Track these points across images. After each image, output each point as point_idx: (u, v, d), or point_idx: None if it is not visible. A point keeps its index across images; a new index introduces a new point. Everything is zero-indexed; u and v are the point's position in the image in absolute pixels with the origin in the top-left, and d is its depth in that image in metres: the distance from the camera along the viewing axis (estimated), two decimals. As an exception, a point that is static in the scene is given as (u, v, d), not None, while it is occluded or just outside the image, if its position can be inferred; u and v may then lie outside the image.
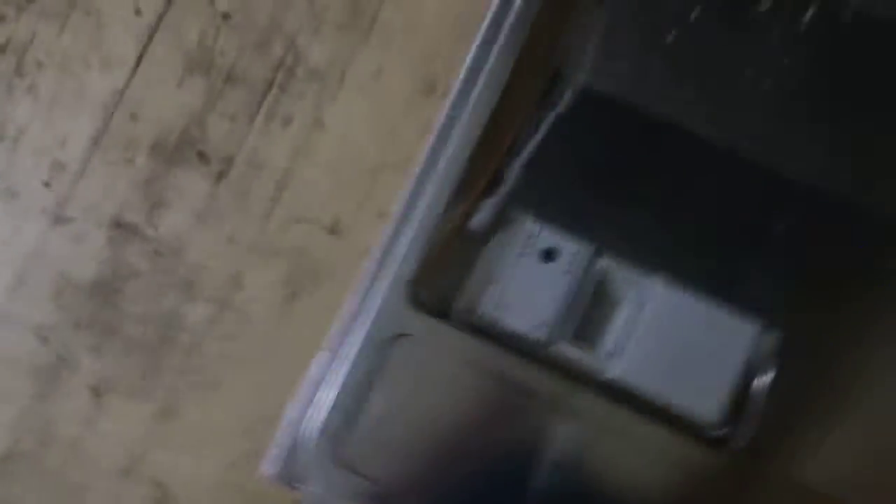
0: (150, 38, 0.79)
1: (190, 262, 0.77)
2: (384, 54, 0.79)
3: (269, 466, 0.65)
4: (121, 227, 0.77)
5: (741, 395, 0.63)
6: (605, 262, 0.64)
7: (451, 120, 0.65)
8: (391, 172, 0.77)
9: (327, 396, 0.63)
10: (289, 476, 0.64)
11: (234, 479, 0.76)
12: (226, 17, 0.80)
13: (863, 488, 0.64)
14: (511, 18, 0.67)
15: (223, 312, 0.77)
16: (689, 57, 0.67)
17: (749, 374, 0.63)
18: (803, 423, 0.65)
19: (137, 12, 0.79)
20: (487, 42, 0.67)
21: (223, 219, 0.78)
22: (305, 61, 0.80)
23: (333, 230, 0.78)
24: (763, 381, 0.64)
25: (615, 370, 0.63)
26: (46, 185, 0.77)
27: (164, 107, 0.78)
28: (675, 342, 0.63)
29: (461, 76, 0.67)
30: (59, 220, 0.78)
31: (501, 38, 0.66)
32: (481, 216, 0.65)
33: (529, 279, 0.63)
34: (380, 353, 0.63)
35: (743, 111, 0.68)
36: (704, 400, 0.62)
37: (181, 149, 0.78)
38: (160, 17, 0.79)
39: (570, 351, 0.63)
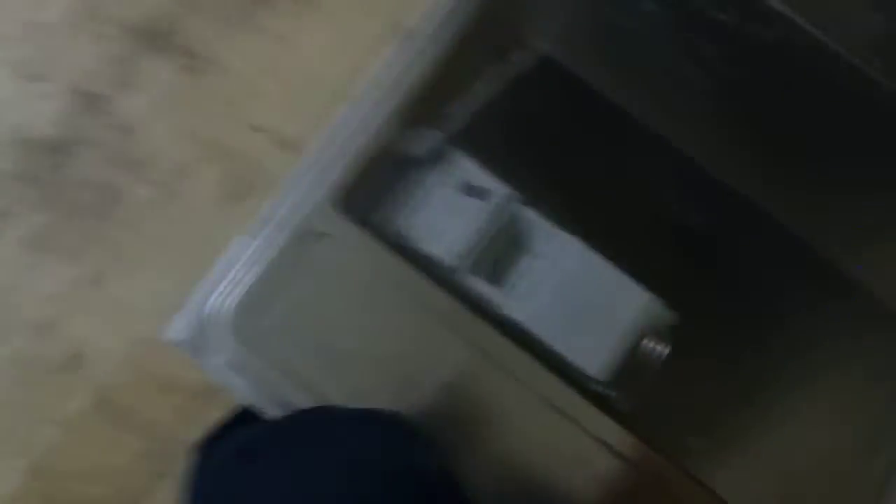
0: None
1: (144, 143, 0.83)
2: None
3: (173, 333, 0.70)
4: (86, 96, 0.82)
5: (630, 363, 0.69)
6: (528, 213, 0.69)
7: (408, 52, 0.71)
8: (343, 102, 0.82)
9: (242, 277, 0.68)
10: (191, 345, 0.69)
11: (140, 354, 0.81)
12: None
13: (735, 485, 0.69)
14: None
15: (165, 196, 0.82)
16: (644, 46, 0.74)
17: (642, 345, 0.69)
18: (687, 408, 0.71)
19: None
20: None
21: (184, 110, 0.83)
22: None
23: (283, 143, 0.83)
24: (654, 354, 0.69)
25: (518, 312, 0.68)
26: (20, 39, 0.82)
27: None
28: (578, 298, 0.69)
29: (426, 16, 0.72)
30: (26, 75, 0.82)
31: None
32: (418, 142, 0.70)
33: (455, 210, 0.69)
34: (298, 246, 0.68)
35: (681, 105, 0.74)
36: (595, 356, 0.68)
37: (158, 36, 0.83)
38: None
39: (478, 284, 0.68)
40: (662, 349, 0.69)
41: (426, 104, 0.70)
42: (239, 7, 0.84)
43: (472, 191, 0.69)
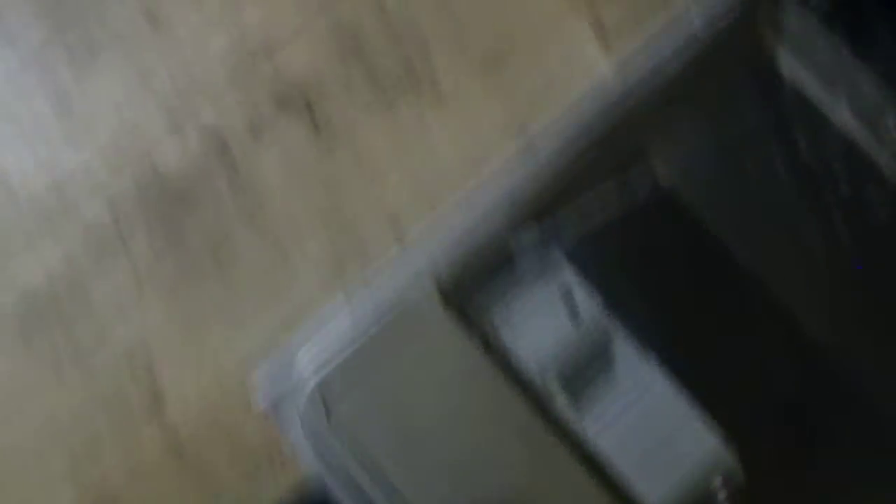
0: (319, 11, 0.91)
1: (265, 200, 0.87)
2: (498, 97, 0.90)
3: (259, 393, 0.73)
4: (220, 146, 0.88)
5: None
6: (620, 336, 0.72)
7: (528, 156, 0.75)
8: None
9: (336, 349, 0.71)
10: (275, 408, 0.72)
11: (222, 406, 0.84)
12: (383, 11, 0.91)
13: None
14: (615, 98, 0.77)
15: (275, 255, 0.86)
16: (765, 199, 0.76)
17: (707, 490, 0.70)
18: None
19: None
20: (588, 108, 0.76)
21: (309, 176, 0.88)
22: (432, 78, 0.90)
23: (394, 221, 0.87)
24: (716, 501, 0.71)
25: (592, 430, 0.70)
26: (169, 86, 0.88)
27: (299, 64, 0.89)
28: (654, 430, 0.71)
29: (551, 124, 0.76)
30: (173, 117, 0.88)
31: (600, 110, 0.76)
32: (529, 245, 0.73)
33: (550, 319, 0.72)
34: (394, 327, 0.71)
35: (794, 265, 0.76)
36: (658, 489, 0.70)
37: (300, 103, 0.89)
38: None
39: (559, 396, 0.71)
40: (724, 500, 0.70)
41: (540, 208, 0.74)
42: (380, 88, 0.89)
43: (571, 303, 0.71)
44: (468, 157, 0.88)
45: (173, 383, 0.82)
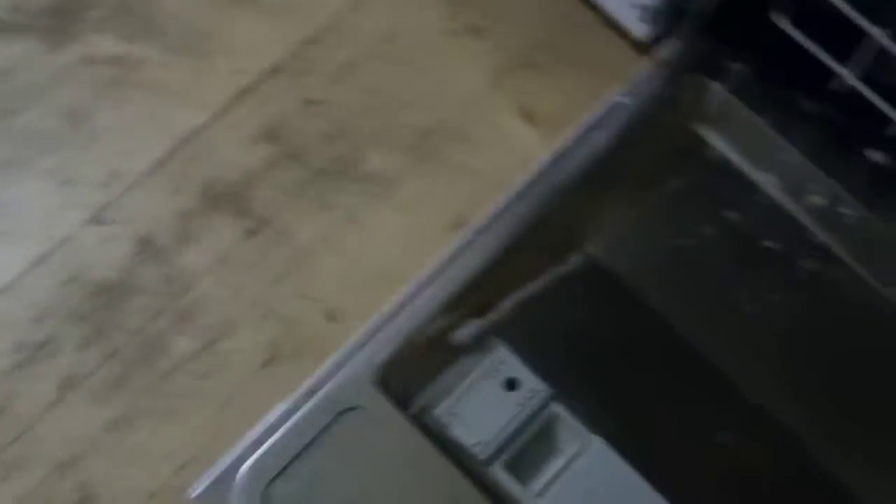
0: (241, 96, 0.92)
1: (197, 298, 0.87)
2: (431, 185, 0.91)
3: (198, 491, 0.72)
4: (150, 246, 0.87)
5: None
6: (565, 414, 0.72)
7: (463, 245, 0.76)
8: (397, 286, 0.87)
9: (274, 444, 0.71)
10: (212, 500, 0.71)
11: (156, 505, 0.82)
12: (307, 104, 0.93)
13: None
14: (548, 182, 0.79)
15: (208, 353, 0.86)
16: (694, 266, 0.79)
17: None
18: None
19: (239, 72, 0.92)
20: (521, 194, 0.78)
21: (242, 272, 0.88)
22: (362, 165, 0.92)
23: (331, 316, 0.87)
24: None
25: (536, 506, 0.70)
26: (103, 185, 0.89)
27: (226, 160, 0.90)
28: (596, 501, 0.71)
29: (483, 216, 0.78)
30: (97, 221, 0.88)
31: (533, 195, 0.78)
32: (464, 331, 0.74)
33: (487, 400, 0.72)
34: (335, 419, 0.71)
35: (727, 328, 0.78)
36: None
37: (225, 198, 0.89)
38: (257, 83, 0.93)
39: (501, 475, 0.71)
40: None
41: (477, 295, 0.75)
42: (312, 181, 0.90)
43: (512, 385, 0.72)
44: (404, 247, 0.89)
45: (105, 485, 0.80)
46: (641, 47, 0.88)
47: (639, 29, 0.85)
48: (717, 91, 0.80)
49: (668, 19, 0.81)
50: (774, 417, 0.74)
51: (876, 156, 0.79)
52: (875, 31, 0.72)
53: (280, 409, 0.72)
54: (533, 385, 0.72)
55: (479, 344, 0.73)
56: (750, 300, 0.77)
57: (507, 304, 0.75)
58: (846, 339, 0.78)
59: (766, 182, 0.80)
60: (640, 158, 0.79)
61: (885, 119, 0.76)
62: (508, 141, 0.93)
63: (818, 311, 0.77)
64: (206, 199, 0.89)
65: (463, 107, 0.94)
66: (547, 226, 0.76)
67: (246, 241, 0.88)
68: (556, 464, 0.71)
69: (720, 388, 0.74)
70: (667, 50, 0.81)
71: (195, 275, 0.87)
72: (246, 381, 0.84)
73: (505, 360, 0.72)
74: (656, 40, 0.83)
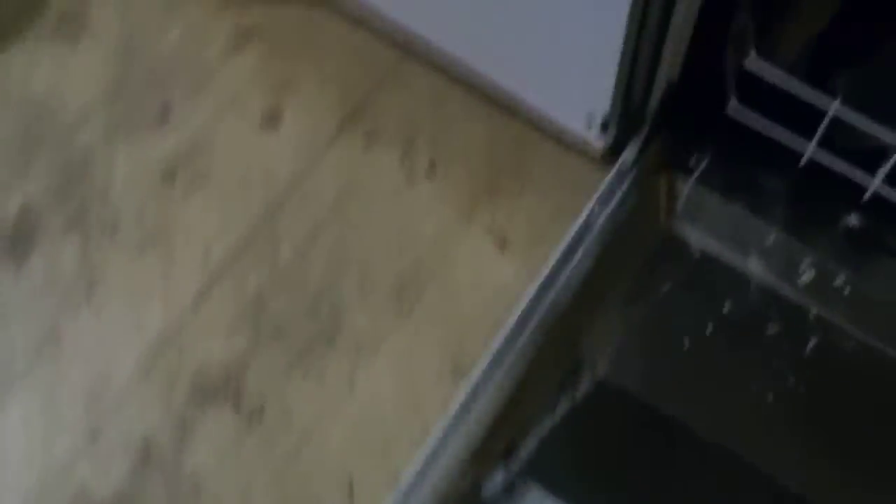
0: (212, 283, 0.92)
1: (205, 494, 0.86)
2: (420, 333, 0.91)
3: None
4: (147, 455, 0.86)
5: None
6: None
7: (470, 396, 0.76)
8: (408, 444, 0.86)
9: None
10: None
11: None
12: (283, 275, 0.93)
13: None
14: (540, 312, 0.79)
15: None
16: (700, 365, 0.79)
17: None
18: None
19: (206, 257, 0.92)
20: (516, 330, 0.79)
21: (245, 465, 0.87)
22: (346, 328, 0.92)
23: (349, 491, 0.86)
24: None
25: None
26: (87, 404, 0.88)
27: (211, 349, 0.90)
28: None
29: (485, 360, 0.78)
30: (92, 437, 0.87)
31: (528, 329, 0.78)
32: (495, 482, 0.74)
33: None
34: None
35: (743, 421, 0.79)
36: None
37: (218, 390, 0.89)
38: (227, 266, 0.93)
39: None
40: None
41: (496, 441, 0.74)
42: (301, 356, 0.90)
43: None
44: (406, 404, 0.88)
45: None
46: (601, 157, 0.90)
47: (596, 139, 0.87)
48: (685, 185, 0.82)
49: (622, 125, 0.83)
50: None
51: (853, 221, 0.81)
52: (833, 105, 0.74)
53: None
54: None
55: (510, 491, 0.73)
56: (761, 388, 0.78)
57: (529, 443, 0.74)
58: (860, 405, 0.78)
59: (754, 267, 0.81)
60: (624, 269, 0.81)
61: (856, 186, 0.78)
62: (487, 273, 0.93)
63: (829, 382, 0.78)
64: (198, 394, 0.88)
65: (435, 248, 0.94)
66: (548, 356, 0.76)
67: (248, 431, 0.87)
68: None
69: (750, 479, 0.75)
70: (627, 155, 0.83)
71: (202, 475, 0.86)
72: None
73: (541, 501, 0.72)
74: (615, 148, 0.85)
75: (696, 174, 0.82)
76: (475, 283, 0.93)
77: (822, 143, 0.78)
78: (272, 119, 1.00)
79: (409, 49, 1.00)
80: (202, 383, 0.89)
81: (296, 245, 0.95)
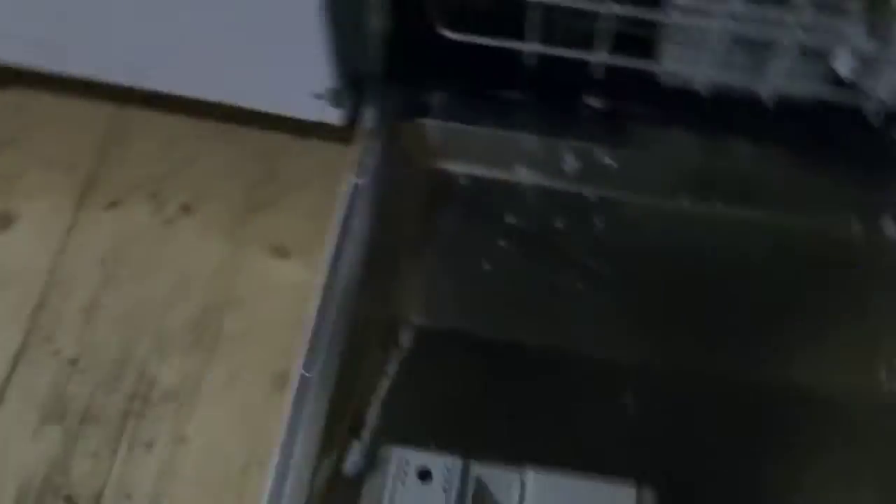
0: (2, 396, 0.88)
1: None
2: (233, 362, 0.90)
3: None
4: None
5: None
6: (477, 470, 0.72)
7: (300, 392, 0.75)
8: (260, 468, 0.84)
9: None
10: None
11: None
12: (73, 362, 0.89)
13: None
14: (338, 290, 0.79)
15: None
16: (505, 280, 0.81)
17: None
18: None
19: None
20: (321, 315, 0.78)
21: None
22: (158, 386, 0.89)
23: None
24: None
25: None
26: None
27: (23, 458, 0.85)
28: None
29: (301, 354, 0.77)
30: None
31: (333, 309, 0.78)
32: (353, 458, 0.73)
33: (414, 502, 0.71)
34: None
35: (564, 318, 0.81)
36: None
37: (45, 497, 0.84)
38: (8, 376, 0.89)
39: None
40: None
41: (336, 423, 0.73)
42: (122, 429, 0.86)
43: (425, 475, 0.71)
44: (242, 430, 0.87)
45: None
46: (346, 132, 0.91)
47: (333, 117, 0.88)
48: (432, 125, 0.84)
49: (352, 92, 0.84)
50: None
51: (593, 101, 0.85)
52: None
53: None
54: (443, 463, 0.71)
55: (371, 459, 0.72)
56: (569, 281, 0.80)
57: (373, 411, 0.74)
58: (661, 266, 0.82)
59: (522, 175, 0.84)
60: (403, 221, 0.82)
61: (586, 67, 0.82)
62: (276, 284, 0.93)
63: (626, 253, 0.82)
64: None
65: (218, 281, 0.93)
66: (362, 325, 0.76)
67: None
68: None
69: (592, 371, 0.77)
70: (367, 118, 0.85)
71: None
72: None
73: (405, 457, 0.71)
74: (354, 117, 0.86)
75: (437, 110, 0.84)
76: (268, 297, 0.92)
77: (543, 40, 0.81)
78: (4, 220, 0.96)
79: (121, 99, 0.98)
80: (25, 496, 0.84)
81: (75, 331, 0.92)
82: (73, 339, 0.90)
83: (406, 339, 0.78)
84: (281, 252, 0.94)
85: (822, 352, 0.80)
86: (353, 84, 0.85)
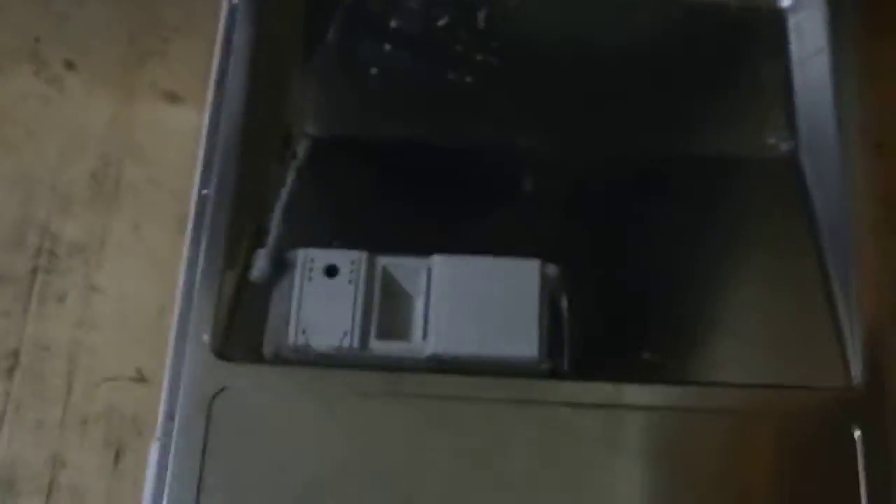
0: None
1: (3, 462, 0.83)
2: (137, 210, 0.92)
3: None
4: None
5: (551, 327, 0.74)
6: (382, 261, 0.75)
7: (202, 205, 0.78)
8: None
9: (167, 481, 0.70)
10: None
11: None
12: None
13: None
14: (229, 107, 0.81)
15: (53, 497, 0.83)
16: (397, 82, 0.84)
17: (549, 307, 0.74)
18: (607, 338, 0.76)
19: None
20: (212, 132, 0.80)
21: (25, 409, 0.85)
22: (63, 240, 0.91)
23: (140, 379, 0.86)
24: (562, 309, 0.75)
25: (432, 348, 0.72)
26: None
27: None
28: (474, 303, 0.74)
29: (196, 175, 0.80)
30: None
31: (226, 123, 0.80)
32: (259, 264, 0.75)
33: (322, 299, 0.74)
34: (203, 417, 0.71)
35: (459, 113, 0.84)
36: (521, 342, 0.73)
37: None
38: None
39: (383, 347, 0.73)
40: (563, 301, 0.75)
41: (238, 235, 0.76)
42: (34, 281, 0.88)
43: (332, 271, 0.74)
44: (155, 274, 0.89)
45: None
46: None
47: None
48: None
49: None
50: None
51: None
52: None
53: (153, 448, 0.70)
54: (349, 258, 0.74)
55: (279, 264, 0.75)
56: (458, 75, 0.83)
57: (276, 220, 0.77)
58: (543, 53, 0.85)
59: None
60: (286, 33, 0.84)
61: None
62: (173, 129, 0.95)
63: (512, 43, 0.85)
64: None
65: (115, 133, 0.95)
66: (256, 139, 0.79)
67: (12, 382, 0.85)
68: (418, 303, 0.74)
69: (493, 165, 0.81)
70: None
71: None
72: (109, 490, 0.82)
73: (310, 256, 0.74)
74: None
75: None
76: (165, 139, 0.94)
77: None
78: None
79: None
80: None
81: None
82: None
83: (302, 148, 0.80)
84: (171, 97, 0.95)
85: (711, 121, 0.83)
86: None
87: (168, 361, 0.71)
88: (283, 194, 0.78)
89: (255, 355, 0.72)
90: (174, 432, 0.69)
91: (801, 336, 0.76)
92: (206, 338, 0.71)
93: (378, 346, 0.72)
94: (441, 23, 0.84)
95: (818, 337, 0.75)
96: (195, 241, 0.74)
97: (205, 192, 0.76)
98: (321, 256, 0.74)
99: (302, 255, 0.74)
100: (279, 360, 0.72)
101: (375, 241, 0.75)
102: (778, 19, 0.86)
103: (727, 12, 0.86)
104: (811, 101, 0.83)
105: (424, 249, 0.75)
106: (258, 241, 0.75)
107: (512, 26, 0.85)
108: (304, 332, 0.72)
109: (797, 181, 0.80)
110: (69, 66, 0.97)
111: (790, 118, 0.83)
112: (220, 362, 0.71)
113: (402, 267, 0.74)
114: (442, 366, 0.72)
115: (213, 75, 0.81)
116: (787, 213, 0.79)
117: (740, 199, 0.81)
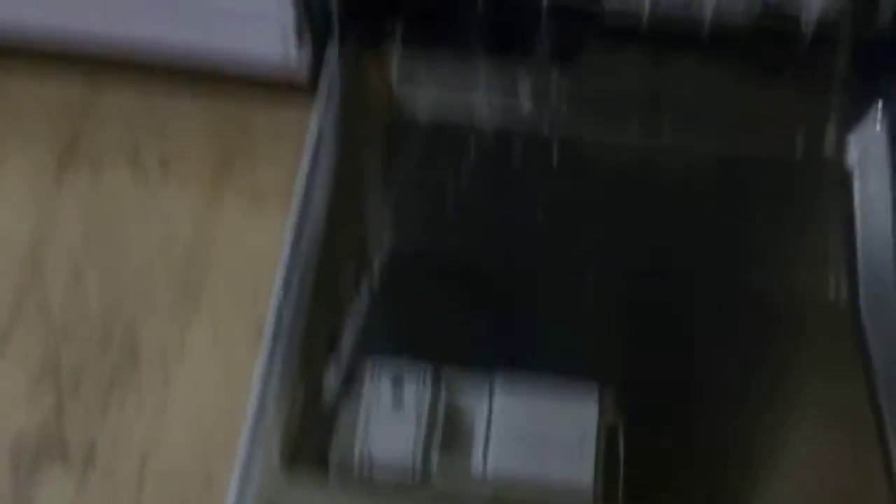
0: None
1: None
2: (219, 314, 0.97)
3: None
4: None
5: (605, 453, 0.77)
6: (447, 375, 0.79)
7: (275, 324, 0.82)
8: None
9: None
10: None
11: None
12: (60, 321, 0.96)
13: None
14: (310, 230, 0.87)
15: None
16: (469, 207, 0.89)
17: (605, 433, 0.78)
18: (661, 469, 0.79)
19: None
20: (294, 251, 0.85)
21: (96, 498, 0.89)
22: (146, 344, 0.96)
23: (207, 486, 0.90)
24: (618, 436, 0.78)
25: (489, 469, 0.76)
26: None
27: (19, 422, 0.91)
28: (533, 424, 0.77)
29: (276, 288, 0.85)
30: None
31: (305, 246, 0.85)
32: (331, 371, 0.80)
33: (388, 411, 0.78)
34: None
35: (526, 241, 0.89)
36: (576, 468, 0.76)
37: (41, 453, 0.91)
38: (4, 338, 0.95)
39: (444, 465, 0.76)
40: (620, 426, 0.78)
41: (311, 346, 0.81)
42: (108, 389, 0.93)
43: (398, 382, 0.79)
44: (228, 379, 0.93)
45: None
46: (309, 78, 0.98)
47: (298, 61, 0.95)
48: (393, 62, 0.91)
49: (314, 36, 0.92)
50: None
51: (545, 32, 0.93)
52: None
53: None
54: (415, 370, 0.78)
55: (350, 372, 0.79)
56: (528, 207, 0.88)
57: (349, 331, 0.81)
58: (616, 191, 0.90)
59: (479, 105, 0.92)
60: (369, 156, 0.89)
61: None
62: (253, 234, 1.00)
63: (585, 180, 0.90)
64: (23, 466, 0.90)
65: (199, 236, 1.00)
66: (334, 255, 0.83)
67: (84, 479, 0.89)
68: (481, 420, 0.77)
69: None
70: (329, 59, 0.92)
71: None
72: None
73: (379, 366, 0.78)
74: (317, 65, 0.94)
75: (397, 45, 0.91)
76: (246, 246, 0.99)
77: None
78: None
79: (91, 62, 1.06)
80: (23, 453, 0.90)
81: (64, 291, 0.98)
82: (60, 300, 0.97)
83: (377, 264, 0.85)
84: (257, 205, 1.00)
85: (773, 262, 0.87)
86: (315, 28, 0.92)
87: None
88: (358, 306, 0.82)
89: (320, 465, 0.75)
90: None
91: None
92: (274, 449, 0.74)
93: (438, 464, 0.75)
94: (515, 150, 0.89)
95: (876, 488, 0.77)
96: (271, 350, 0.78)
97: (284, 299, 0.80)
98: (389, 366, 0.77)
99: (371, 365, 0.78)
100: (344, 469, 0.75)
101: (440, 353, 0.79)
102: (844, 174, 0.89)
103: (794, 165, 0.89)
104: (872, 250, 0.86)
105: (487, 362, 0.79)
106: (331, 349, 0.79)
107: (581, 170, 0.89)
108: (369, 446, 0.75)
109: (854, 325, 0.83)
110: (163, 164, 1.02)
111: (851, 265, 0.86)
112: (287, 476, 0.74)
113: (465, 382, 0.77)
114: (499, 492, 0.74)
115: (298, 189, 0.86)
116: (840, 352, 0.82)
117: (797, 340, 0.83)
